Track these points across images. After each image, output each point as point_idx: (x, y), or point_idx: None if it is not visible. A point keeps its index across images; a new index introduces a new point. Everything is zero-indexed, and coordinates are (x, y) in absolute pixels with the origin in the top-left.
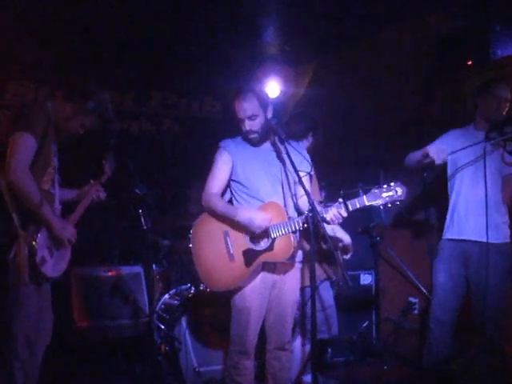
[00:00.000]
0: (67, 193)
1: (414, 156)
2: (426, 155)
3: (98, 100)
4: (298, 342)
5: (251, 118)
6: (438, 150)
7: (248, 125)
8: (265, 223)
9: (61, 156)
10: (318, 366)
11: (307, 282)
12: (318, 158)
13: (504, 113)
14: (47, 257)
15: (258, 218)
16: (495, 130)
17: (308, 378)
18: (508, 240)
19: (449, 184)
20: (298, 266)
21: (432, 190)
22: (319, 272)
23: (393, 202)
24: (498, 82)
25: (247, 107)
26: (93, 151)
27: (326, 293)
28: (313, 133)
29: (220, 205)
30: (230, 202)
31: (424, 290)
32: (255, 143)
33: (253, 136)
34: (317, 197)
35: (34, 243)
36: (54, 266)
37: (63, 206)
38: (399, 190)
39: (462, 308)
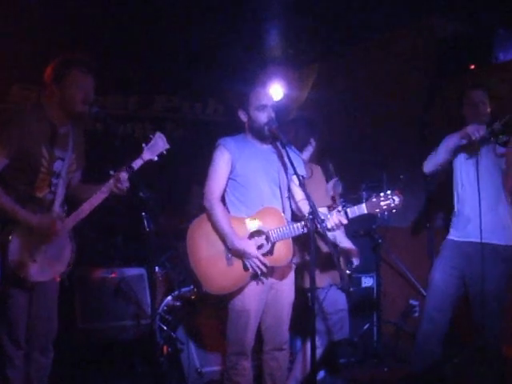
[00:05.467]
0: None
1: (445, 147)
2: (465, 135)
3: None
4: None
5: (272, 106)
6: (475, 127)
7: (270, 113)
8: (261, 268)
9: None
10: (328, 367)
11: (317, 283)
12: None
13: (485, 116)
14: (28, 261)
15: (252, 253)
16: (489, 136)
17: (320, 374)
18: None
19: (453, 186)
20: (293, 266)
21: (436, 192)
22: (326, 277)
23: (390, 210)
24: (471, 88)
25: (271, 95)
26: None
27: (339, 295)
28: (314, 137)
29: (223, 223)
30: (223, 200)
31: (425, 293)
32: (265, 137)
33: (269, 127)
34: (325, 201)
35: (5, 248)
36: (40, 269)
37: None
38: (396, 199)
39: (459, 310)
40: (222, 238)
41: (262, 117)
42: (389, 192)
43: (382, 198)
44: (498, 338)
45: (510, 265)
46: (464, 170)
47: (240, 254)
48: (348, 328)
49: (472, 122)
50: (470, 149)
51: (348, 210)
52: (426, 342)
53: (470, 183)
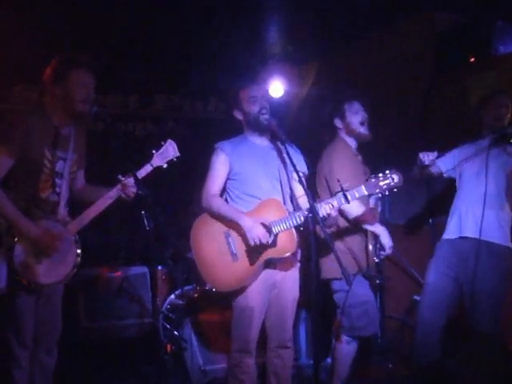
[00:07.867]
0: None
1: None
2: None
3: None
4: (343, 341)
5: (264, 97)
6: (425, 154)
7: (262, 103)
8: (262, 239)
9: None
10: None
11: (335, 274)
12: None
13: (505, 120)
14: (34, 263)
15: (259, 230)
16: (501, 137)
17: None
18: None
19: (457, 185)
20: (297, 265)
21: (437, 192)
22: (351, 264)
23: (391, 190)
24: (496, 91)
25: (261, 87)
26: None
27: (362, 285)
28: (339, 117)
29: (224, 207)
30: (225, 201)
31: None
32: (263, 129)
33: (265, 117)
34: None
35: (10, 252)
36: (46, 272)
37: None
38: (395, 177)
39: (458, 309)
40: (230, 222)
41: (254, 107)
42: (387, 171)
43: (381, 178)
44: (498, 336)
45: (505, 263)
46: (470, 170)
47: (246, 230)
48: (377, 323)
49: (490, 124)
50: (480, 149)
51: (347, 193)
52: (423, 341)
53: (474, 182)
